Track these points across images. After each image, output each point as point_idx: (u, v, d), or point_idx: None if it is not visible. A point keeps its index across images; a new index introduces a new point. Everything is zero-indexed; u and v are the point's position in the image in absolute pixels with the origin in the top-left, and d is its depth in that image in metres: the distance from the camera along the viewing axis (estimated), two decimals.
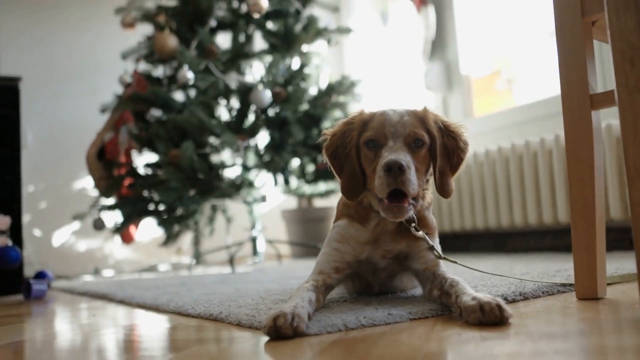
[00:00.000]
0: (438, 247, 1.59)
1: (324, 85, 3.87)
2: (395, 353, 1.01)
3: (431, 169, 1.56)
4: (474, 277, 1.98)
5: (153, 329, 1.59)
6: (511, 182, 3.43)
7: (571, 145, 1.49)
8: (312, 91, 3.87)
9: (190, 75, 3.36)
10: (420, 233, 1.53)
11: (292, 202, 5.01)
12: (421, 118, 1.55)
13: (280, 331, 1.18)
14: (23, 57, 4.52)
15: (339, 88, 3.71)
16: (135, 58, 3.86)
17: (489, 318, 1.19)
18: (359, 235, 1.58)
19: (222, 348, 1.21)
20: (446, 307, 1.40)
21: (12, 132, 3.15)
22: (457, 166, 1.58)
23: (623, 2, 1.21)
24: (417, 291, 1.72)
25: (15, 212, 3.03)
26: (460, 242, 4.01)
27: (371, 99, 5.06)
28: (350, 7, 5.45)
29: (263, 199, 3.87)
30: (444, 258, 1.55)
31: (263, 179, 3.92)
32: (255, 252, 3.81)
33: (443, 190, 1.55)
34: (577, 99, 1.49)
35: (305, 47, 3.88)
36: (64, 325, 1.78)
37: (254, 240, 3.81)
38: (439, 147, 1.54)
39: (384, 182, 1.42)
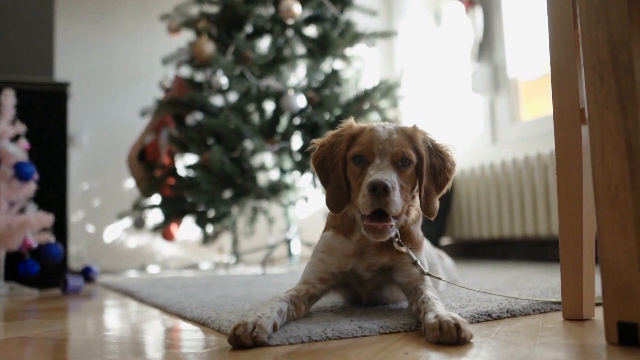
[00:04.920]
0: (424, 262, 1.58)
1: (366, 88, 3.86)
2: None
3: (417, 187, 1.55)
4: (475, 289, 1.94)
5: (137, 331, 1.63)
6: (549, 190, 3.32)
7: (561, 160, 1.44)
8: (352, 95, 3.88)
9: (224, 80, 3.45)
10: (404, 248, 1.52)
11: None
12: (410, 136, 1.54)
13: (239, 340, 1.21)
14: (81, 62, 4.77)
15: (374, 93, 3.69)
16: (176, 63, 3.99)
17: (446, 338, 1.17)
18: (344, 247, 1.59)
19: (179, 354, 1.25)
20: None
21: (60, 134, 3.33)
22: (443, 186, 1.57)
23: (595, 17, 1.17)
24: (406, 303, 1.70)
25: (60, 211, 3.21)
26: (499, 250, 3.91)
27: (416, 101, 5.00)
28: (403, 8, 5.40)
29: (305, 199, 3.91)
30: (427, 274, 1.53)
31: (304, 181, 3.96)
32: (290, 254, 3.86)
33: (427, 209, 1.54)
34: (568, 112, 1.44)
35: (347, 51, 3.90)
36: (65, 325, 1.88)
37: (288, 242, 3.86)
38: (426, 166, 1.53)
39: (367, 201, 1.43)
